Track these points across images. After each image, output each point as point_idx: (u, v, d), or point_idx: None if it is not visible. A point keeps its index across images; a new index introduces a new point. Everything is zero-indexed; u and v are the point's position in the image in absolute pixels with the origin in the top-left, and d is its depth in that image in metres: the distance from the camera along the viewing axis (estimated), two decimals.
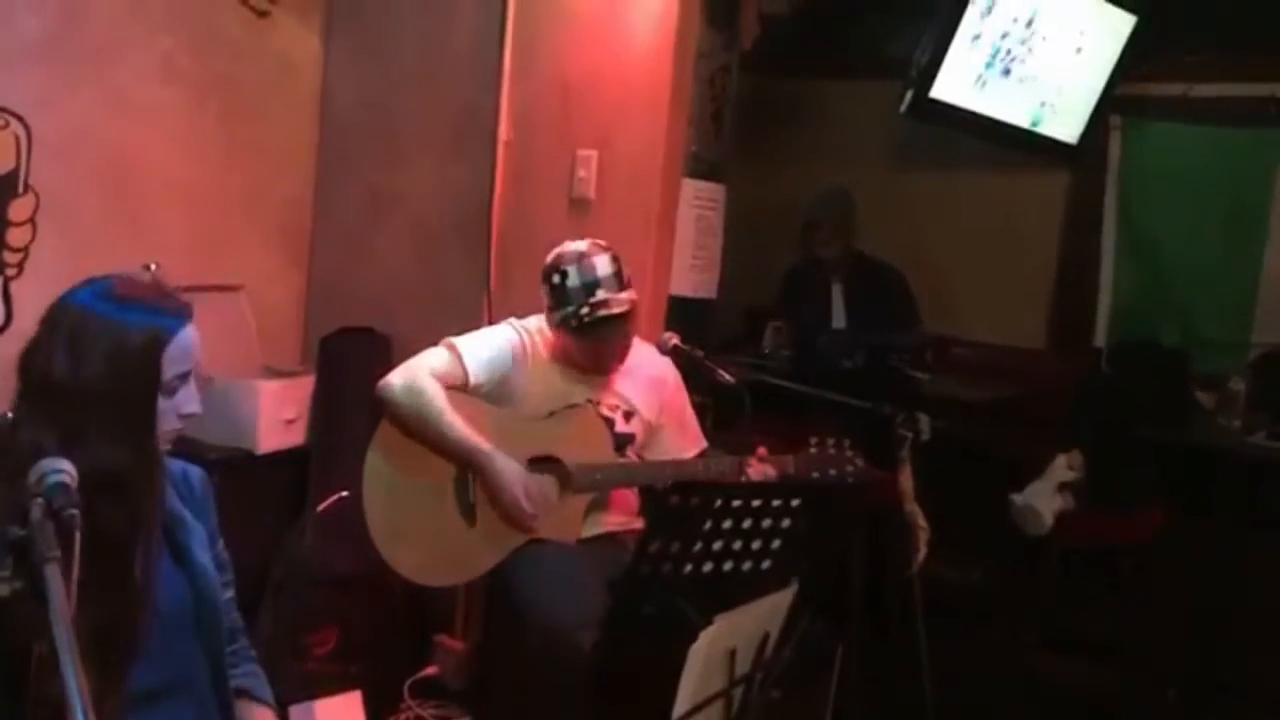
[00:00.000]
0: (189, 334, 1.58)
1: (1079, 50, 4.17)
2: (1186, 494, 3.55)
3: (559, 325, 2.62)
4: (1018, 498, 3.61)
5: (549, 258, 2.65)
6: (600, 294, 2.55)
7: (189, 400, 1.60)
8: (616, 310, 2.57)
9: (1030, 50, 4.09)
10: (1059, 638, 3.63)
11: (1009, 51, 4.05)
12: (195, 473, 1.76)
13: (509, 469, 2.53)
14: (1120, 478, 3.67)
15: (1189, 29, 4.08)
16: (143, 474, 1.55)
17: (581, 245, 2.64)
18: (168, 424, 1.59)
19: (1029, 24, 4.03)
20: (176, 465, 1.73)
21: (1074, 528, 3.58)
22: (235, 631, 1.76)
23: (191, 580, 1.64)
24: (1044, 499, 3.59)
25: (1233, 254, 4.28)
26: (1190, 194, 4.34)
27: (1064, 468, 3.63)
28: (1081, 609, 3.65)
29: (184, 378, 1.58)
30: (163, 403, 1.57)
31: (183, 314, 1.59)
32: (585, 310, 2.55)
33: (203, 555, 1.67)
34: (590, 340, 2.61)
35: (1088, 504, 3.61)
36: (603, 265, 2.59)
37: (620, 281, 2.59)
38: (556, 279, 2.60)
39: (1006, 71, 4.09)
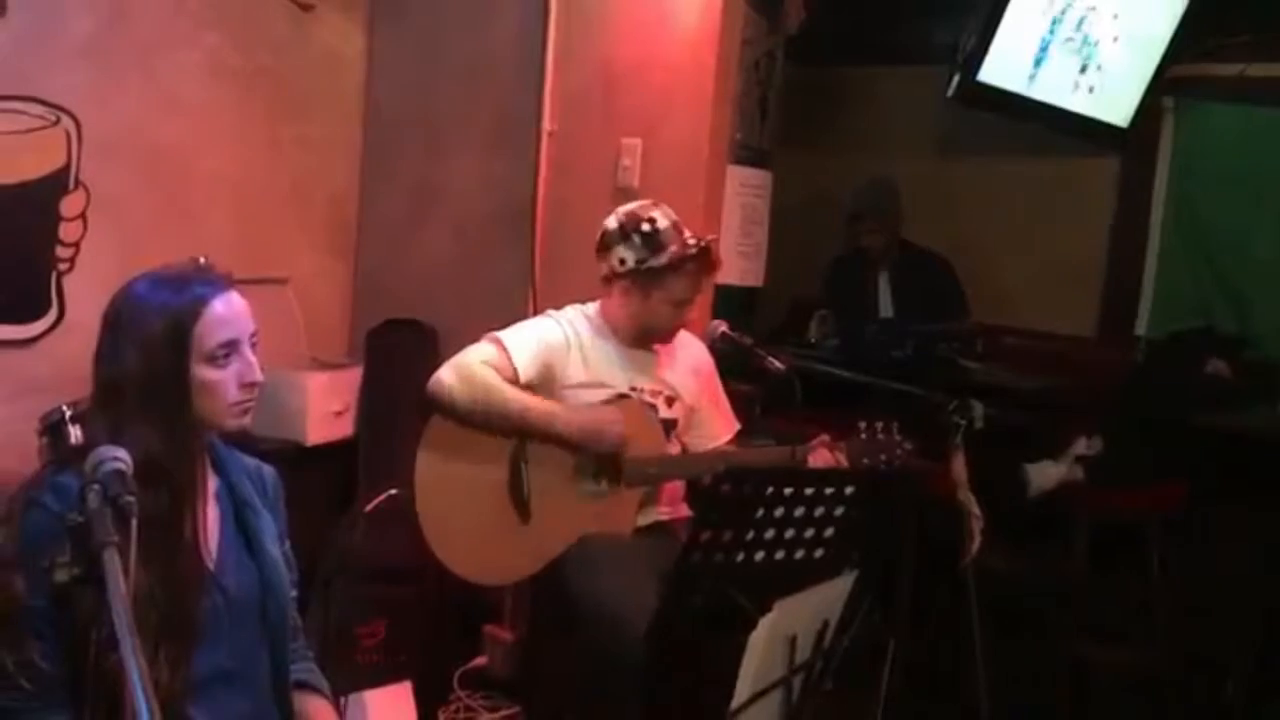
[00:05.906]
0: (227, 301, 1.55)
1: (1131, 31, 4.09)
2: (1248, 483, 3.47)
3: (663, 269, 2.58)
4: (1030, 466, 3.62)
5: (612, 221, 2.64)
6: (687, 232, 2.62)
7: (248, 369, 1.57)
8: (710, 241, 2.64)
9: (1081, 31, 4.02)
10: (1106, 627, 3.57)
11: (1059, 33, 3.98)
12: (269, 471, 1.76)
13: (588, 409, 2.56)
14: (1140, 455, 3.64)
15: (1244, 7, 3.99)
16: (180, 454, 1.54)
17: (640, 202, 2.68)
18: (229, 396, 1.56)
19: (1080, 4, 3.96)
20: (251, 461, 1.73)
21: (1094, 501, 3.54)
22: (295, 630, 1.76)
23: (260, 570, 1.63)
24: (1052, 467, 3.60)
25: None
26: (1246, 177, 4.23)
27: (1083, 447, 3.64)
28: (1134, 596, 3.58)
29: (232, 345, 1.55)
30: (215, 374, 1.54)
31: (217, 284, 1.56)
32: (692, 239, 2.59)
33: (273, 547, 1.67)
34: (689, 276, 2.60)
35: (1105, 480, 3.58)
36: (671, 212, 2.66)
37: None
38: (647, 227, 2.59)
39: (1056, 53, 4.01)
